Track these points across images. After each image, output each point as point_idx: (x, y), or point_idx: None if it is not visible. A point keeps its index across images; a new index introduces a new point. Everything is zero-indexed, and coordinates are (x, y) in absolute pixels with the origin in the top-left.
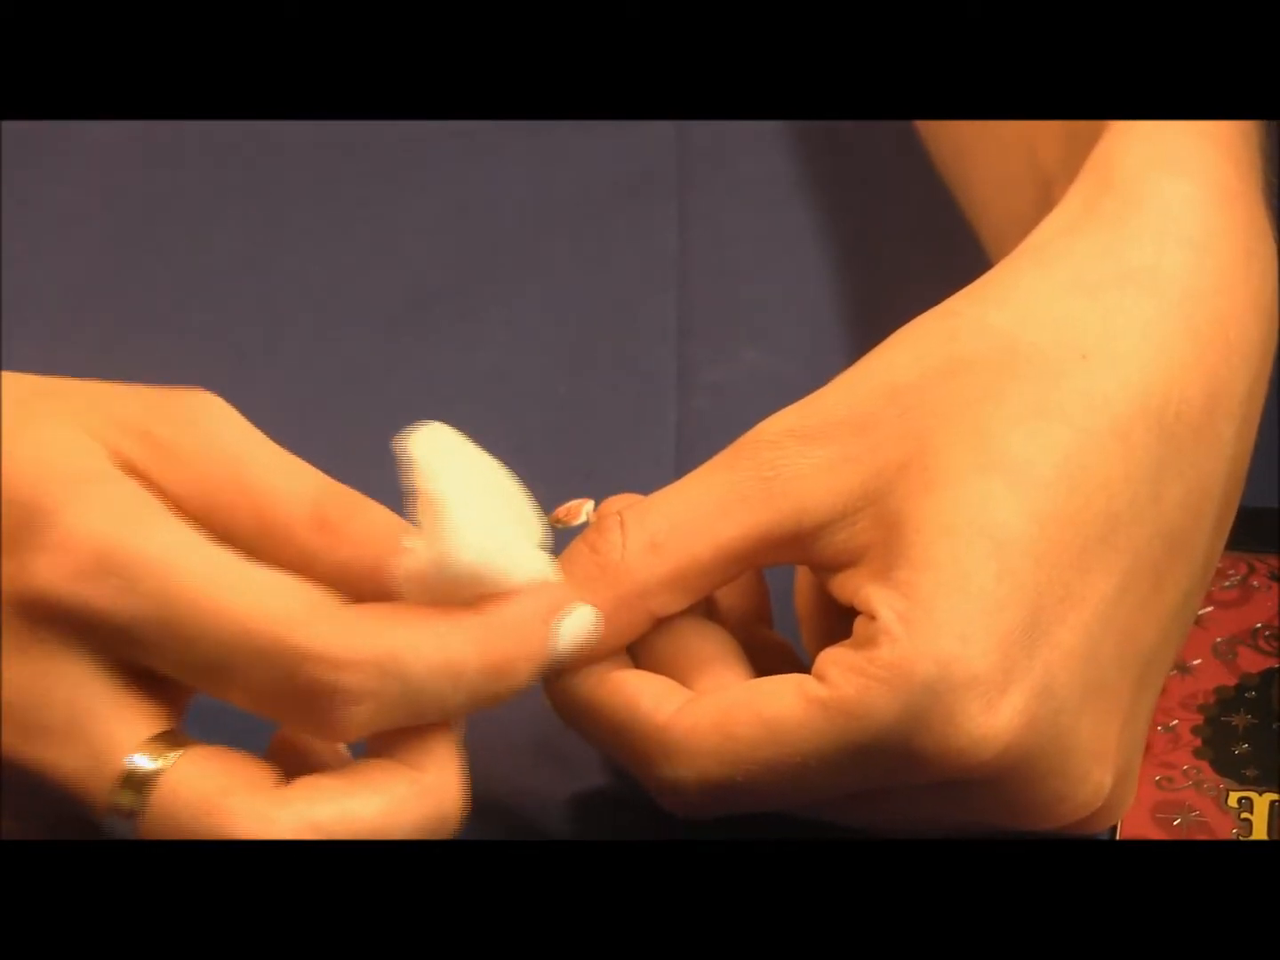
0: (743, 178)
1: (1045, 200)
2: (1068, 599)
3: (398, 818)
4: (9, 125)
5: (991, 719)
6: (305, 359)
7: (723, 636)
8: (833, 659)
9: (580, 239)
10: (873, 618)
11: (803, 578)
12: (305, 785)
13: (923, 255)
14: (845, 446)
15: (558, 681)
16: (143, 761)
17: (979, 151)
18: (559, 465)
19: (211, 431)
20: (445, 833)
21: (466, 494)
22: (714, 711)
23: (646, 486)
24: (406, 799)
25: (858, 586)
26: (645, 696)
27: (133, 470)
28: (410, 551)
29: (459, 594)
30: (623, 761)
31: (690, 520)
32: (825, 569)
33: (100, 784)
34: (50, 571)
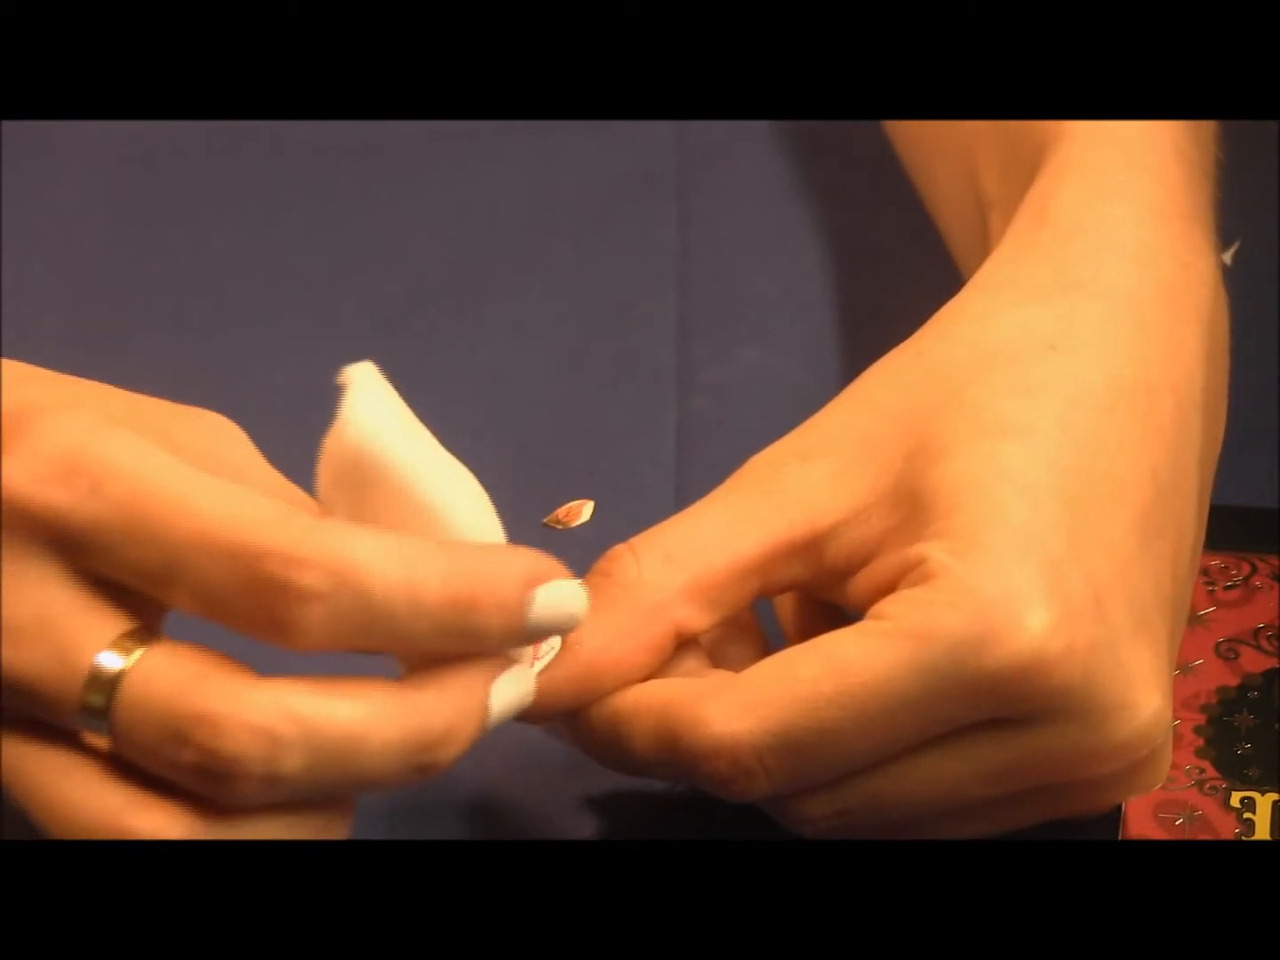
0: (743, 178)
1: (984, 224)
2: (1098, 540)
3: (377, 727)
4: (9, 125)
5: (1057, 629)
6: (305, 359)
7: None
8: (890, 600)
9: (580, 239)
10: (920, 564)
11: (785, 607)
12: (287, 679)
13: (922, 255)
14: (844, 459)
15: (591, 709)
16: (111, 659)
17: (935, 169)
18: (559, 465)
19: (222, 447)
20: (431, 763)
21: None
22: (774, 661)
23: (646, 486)
24: (390, 712)
25: (885, 570)
26: (692, 680)
27: None
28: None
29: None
30: (667, 752)
31: (703, 537)
32: (842, 573)
33: (70, 683)
34: (19, 475)
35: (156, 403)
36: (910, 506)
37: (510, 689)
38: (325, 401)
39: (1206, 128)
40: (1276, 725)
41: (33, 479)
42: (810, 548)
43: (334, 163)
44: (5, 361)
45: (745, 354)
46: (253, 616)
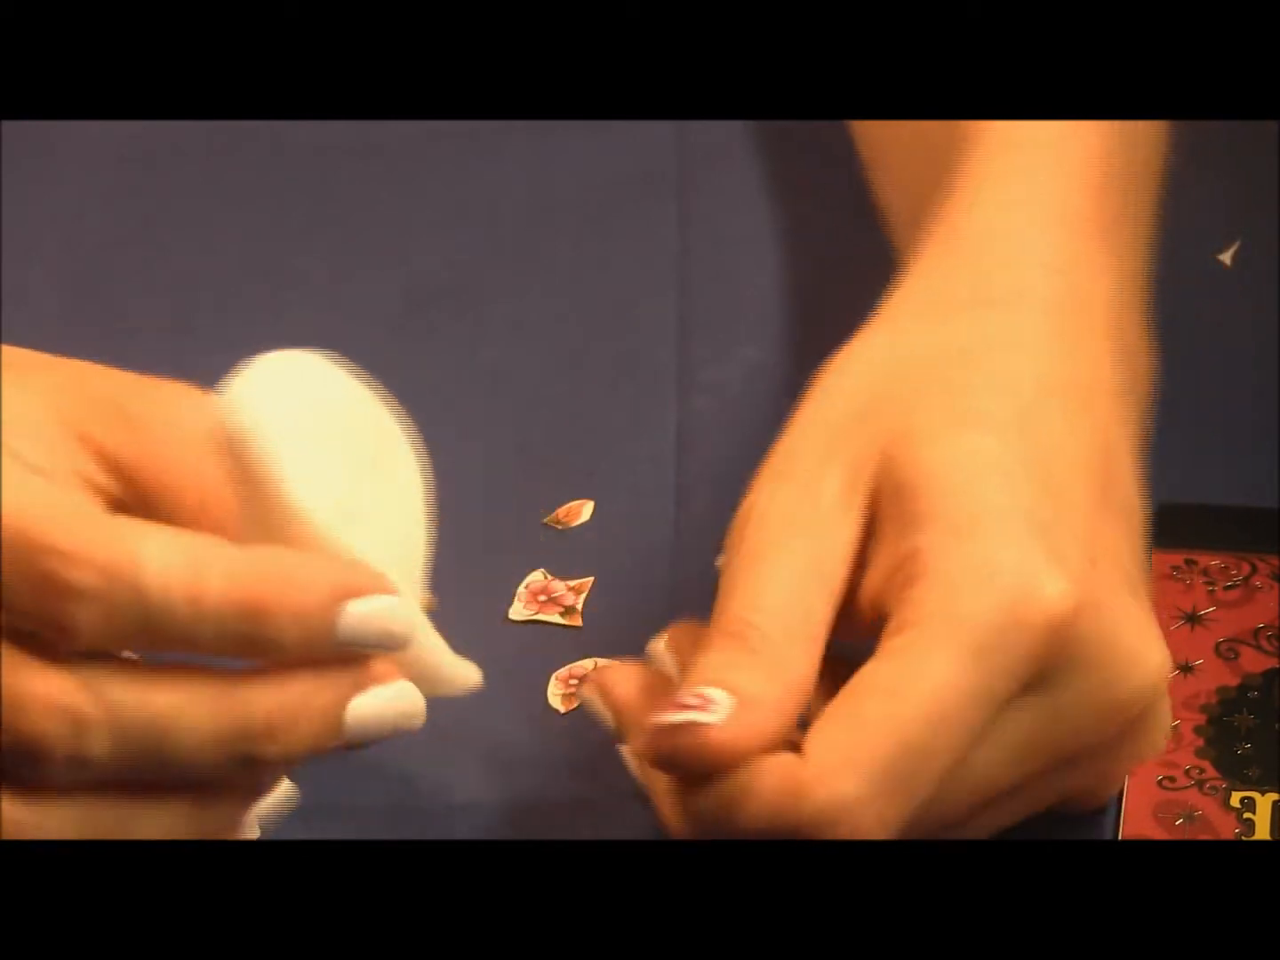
0: (743, 178)
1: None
2: (1074, 515)
3: (188, 714)
4: (9, 125)
5: (1068, 590)
6: None
7: None
8: (906, 606)
9: (580, 239)
10: (913, 556)
11: None
12: (102, 662)
13: None
14: (839, 474)
15: (711, 788)
16: None
17: (893, 172)
18: (559, 465)
19: (180, 418)
20: (250, 755)
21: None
22: (835, 717)
23: (646, 486)
24: (204, 701)
25: (878, 569)
26: (773, 755)
27: (93, 442)
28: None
29: (247, 490)
30: (781, 827)
31: (785, 609)
32: (855, 589)
33: None
34: None
35: (121, 376)
36: (896, 498)
37: (378, 704)
38: None
39: (1149, 126)
40: (1276, 725)
41: None
42: (849, 581)
43: (334, 163)
44: None
45: (745, 354)
46: (36, 613)
